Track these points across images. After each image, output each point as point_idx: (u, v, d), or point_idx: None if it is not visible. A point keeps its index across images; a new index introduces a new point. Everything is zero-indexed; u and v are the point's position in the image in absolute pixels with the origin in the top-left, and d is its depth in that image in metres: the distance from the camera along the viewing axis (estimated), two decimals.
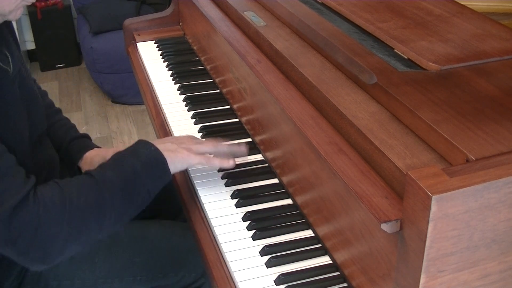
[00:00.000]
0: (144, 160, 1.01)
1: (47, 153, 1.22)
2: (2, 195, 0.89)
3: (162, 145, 1.05)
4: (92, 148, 1.32)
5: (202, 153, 1.08)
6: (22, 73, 1.12)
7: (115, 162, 1.02)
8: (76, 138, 1.35)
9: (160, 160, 1.02)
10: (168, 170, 1.03)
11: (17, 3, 1.00)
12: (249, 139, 1.26)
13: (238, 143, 1.17)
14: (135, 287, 1.24)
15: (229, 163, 1.10)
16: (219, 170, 1.17)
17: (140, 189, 1.00)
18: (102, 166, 1.02)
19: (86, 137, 1.38)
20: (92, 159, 1.29)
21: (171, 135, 1.31)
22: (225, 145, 1.13)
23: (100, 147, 1.35)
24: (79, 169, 1.30)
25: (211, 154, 1.11)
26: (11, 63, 1.06)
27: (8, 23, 1.12)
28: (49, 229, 0.91)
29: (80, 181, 0.98)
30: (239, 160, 1.19)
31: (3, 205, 0.89)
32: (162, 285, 1.27)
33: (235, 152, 1.13)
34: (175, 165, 1.05)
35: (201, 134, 1.29)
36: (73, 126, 1.37)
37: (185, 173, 1.20)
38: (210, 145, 1.11)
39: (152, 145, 1.04)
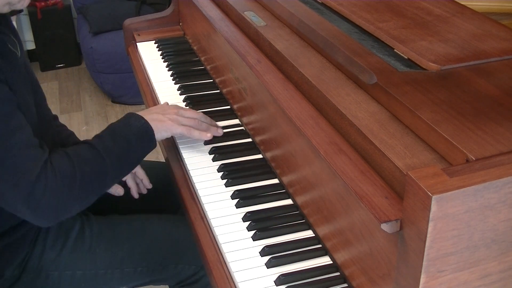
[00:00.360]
0: (136, 132, 1.13)
1: (50, 134, 1.24)
2: (26, 164, 0.99)
3: (149, 116, 1.17)
4: None
5: (185, 125, 1.20)
6: (27, 63, 1.16)
7: (112, 133, 1.13)
8: (76, 144, 1.35)
9: (149, 132, 1.15)
10: (155, 139, 1.16)
11: None
12: (249, 139, 1.26)
13: (215, 124, 1.28)
14: (135, 278, 1.25)
15: (207, 135, 1.22)
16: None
17: (132, 156, 1.14)
18: (100, 137, 1.13)
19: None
20: None
21: (171, 136, 1.31)
22: (204, 124, 1.23)
23: None
24: None
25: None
26: (19, 49, 1.11)
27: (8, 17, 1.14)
28: (64, 194, 1.02)
29: (85, 151, 1.08)
30: (239, 160, 1.20)
31: (28, 173, 0.98)
32: (162, 277, 1.28)
33: (212, 132, 1.24)
34: (160, 133, 1.17)
35: None
36: (72, 133, 1.38)
37: (185, 173, 1.20)
38: (191, 120, 1.22)
39: (142, 118, 1.15)
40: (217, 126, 1.27)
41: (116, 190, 1.30)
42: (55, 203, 1.01)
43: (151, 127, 1.15)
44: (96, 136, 1.14)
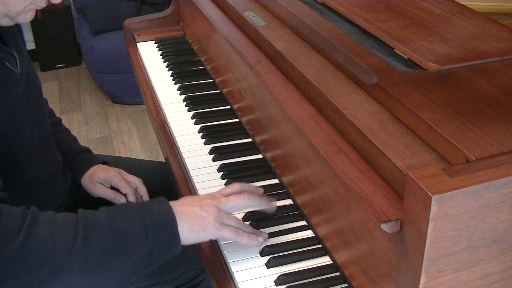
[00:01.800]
0: (149, 218, 0.85)
1: (53, 152, 1.23)
2: None
3: (182, 207, 0.89)
4: (95, 164, 1.31)
5: (229, 225, 0.92)
6: (29, 73, 1.14)
7: (115, 209, 0.87)
8: (80, 152, 1.33)
9: (170, 224, 0.85)
10: (178, 237, 0.86)
11: (25, 5, 0.99)
12: (249, 139, 1.26)
13: (270, 202, 1.00)
14: (135, 282, 1.24)
15: (258, 240, 0.94)
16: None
17: (131, 250, 0.82)
18: (100, 209, 0.87)
19: (89, 151, 1.36)
20: (93, 173, 1.28)
21: (171, 135, 1.31)
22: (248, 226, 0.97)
23: (104, 162, 1.33)
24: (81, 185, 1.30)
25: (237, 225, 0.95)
26: (18, 65, 1.08)
27: (14, 30, 1.13)
28: None
29: (61, 214, 0.84)
30: (239, 160, 1.20)
31: None
32: (162, 281, 1.27)
33: (252, 242, 0.96)
34: (196, 234, 0.88)
35: (201, 134, 1.29)
36: (75, 139, 1.37)
37: (185, 173, 1.20)
38: (235, 220, 0.93)
39: (168, 204, 0.88)
40: (259, 234, 0.97)
41: (120, 200, 1.24)
42: None
43: (175, 220, 0.86)
44: (99, 209, 0.88)
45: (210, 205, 0.90)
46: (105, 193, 1.26)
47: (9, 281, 0.78)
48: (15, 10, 0.98)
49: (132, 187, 1.26)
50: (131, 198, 1.27)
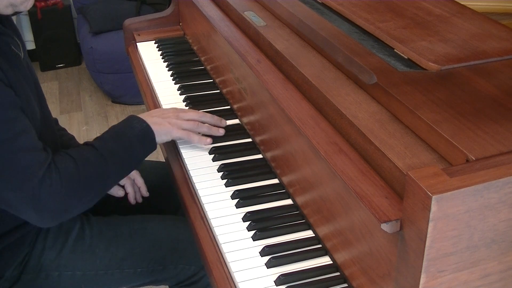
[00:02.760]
0: (138, 134, 1.15)
1: (52, 134, 1.24)
2: (30, 168, 1.00)
3: (150, 119, 1.19)
4: None
5: (185, 128, 1.21)
6: (29, 64, 1.17)
7: (114, 135, 1.15)
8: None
9: (150, 134, 1.17)
10: (156, 142, 1.18)
11: None
12: (249, 139, 1.26)
13: (219, 122, 1.28)
14: (135, 279, 1.25)
15: (206, 141, 1.23)
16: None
17: (133, 158, 1.16)
18: (103, 138, 1.14)
19: None
20: None
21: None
22: (205, 126, 1.24)
23: None
24: None
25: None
26: (21, 50, 1.12)
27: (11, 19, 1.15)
28: (69, 195, 1.03)
29: (88, 152, 1.09)
30: (239, 160, 1.20)
31: (33, 177, 0.99)
32: (162, 278, 1.28)
33: (213, 133, 1.25)
34: (160, 137, 1.19)
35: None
36: (73, 137, 1.39)
37: (185, 173, 1.20)
38: (191, 123, 1.23)
39: (144, 121, 1.17)
40: (219, 125, 1.27)
41: (118, 192, 1.31)
42: (60, 205, 1.03)
43: (152, 130, 1.17)
44: (98, 138, 1.15)
45: (172, 115, 1.22)
46: None
47: (78, 207, 1.07)
48: None
49: (130, 179, 1.34)
50: (129, 190, 1.33)
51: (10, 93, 1.01)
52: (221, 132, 1.26)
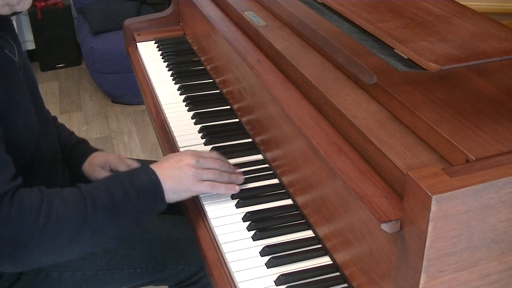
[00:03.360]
0: (139, 186, 0.99)
1: (52, 142, 1.23)
2: None
3: (164, 171, 1.02)
4: (94, 151, 1.34)
5: (206, 179, 1.05)
6: (26, 65, 1.15)
7: (110, 181, 1.00)
8: (78, 142, 1.36)
9: (156, 189, 1.00)
10: (164, 200, 1.01)
11: None
12: (249, 139, 1.26)
13: (238, 172, 1.12)
14: (135, 279, 1.25)
15: (234, 189, 1.08)
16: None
17: (129, 214, 0.99)
18: (96, 182, 1.01)
19: (86, 142, 1.39)
20: (92, 159, 1.31)
21: (171, 135, 1.31)
22: (225, 174, 1.09)
23: (101, 150, 1.37)
24: (82, 173, 1.32)
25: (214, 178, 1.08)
26: (17, 53, 1.10)
27: (9, 20, 1.14)
28: (19, 231, 0.90)
29: (67, 191, 0.97)
30: (239, 160, 1.20)
31: None
32: (161, 277, 1.28)
33: (233, 181, 1.10)
34: (179, 194, 1.03)
35: (201, 134, 1.29)
36: (72, 133, 1.39)
37: None
38: (212, 172, 1.07)
39: (154, 173, 1.01)
40: (236, 172, 1.12)
41: (235, 188, 1.20)
42: (7, 239, 0.90)
43: (161, 186, 1.01)
44: (95, 182, 1.02)
45: (189, 165, 1.04)
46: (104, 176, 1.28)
47: (34, 251, 0.92)
48: None
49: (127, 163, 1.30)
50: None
51: None
52: (240, 179, 1.11)
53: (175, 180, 1.02)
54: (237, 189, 1.08)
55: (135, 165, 1.30)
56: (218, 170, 1.08)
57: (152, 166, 1.03)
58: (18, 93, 1.07)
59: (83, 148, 1.35)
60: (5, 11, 1.03)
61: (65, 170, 1.30)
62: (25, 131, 1.07)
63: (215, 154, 1.11)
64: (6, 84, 1.03)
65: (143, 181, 1.00)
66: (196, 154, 1.07)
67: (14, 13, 1.08)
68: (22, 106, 1.06)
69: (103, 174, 1.29)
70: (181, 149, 1.25)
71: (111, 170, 1.30)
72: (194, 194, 1.06)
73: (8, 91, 1.03)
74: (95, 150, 1.35)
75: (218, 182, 1.06)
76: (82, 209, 0.94)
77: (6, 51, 1.05)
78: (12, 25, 1.15)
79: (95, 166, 1.30)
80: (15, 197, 0.91)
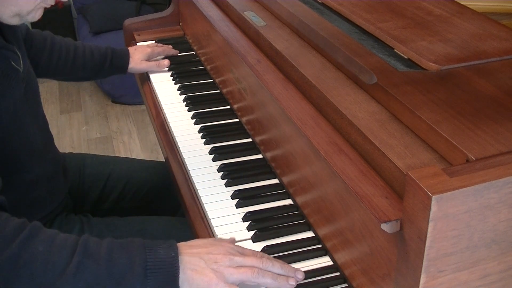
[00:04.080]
0: (151, 261, 0.81)
1: (54, 150, 1.23)
2: None
3: (189, 258, 0.83)
4: (128, 53, 1.54)
5: (233, 282, 0.84)
6: (29, 72, 1.14)
7: (120, 243, 0.84)
8: (113, 50, 1.52)
9: (171, 275, 0.81)
10: (178, 286, 0.82)
11: (35, 4, 0.99)
12: (249, 139, 1.26)
13: (292, 273, 0.88)
14: None
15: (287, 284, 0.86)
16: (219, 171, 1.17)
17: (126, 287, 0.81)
18: (104, 240, 0.84)
19: (113, 49, 1.53)
20: (133, 57, 1.54)
21: (171, 135, 1.31)
22: (269, 275, 0.85)
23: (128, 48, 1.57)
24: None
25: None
26: (21, 63, 1.09)
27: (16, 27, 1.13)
28: None
29: (63, 235, 0.83)
30: (239, 160, 1.20)
31: None
32: None
33: (280, 286, 0.86)
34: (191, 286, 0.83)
35: (201, 134, 1.29)
36: (96, 47, 1.52)
37: (185, 173, 1.20)
38: (245, 273, 0.84)
39: (175, 249, 0.83)
40: (291, 276, 0.88)
41: (164, 63, 1.56)
42: None
43: (178, 269, 0.82)
44: (104, 240, 0.85)
45: (218, 263, 0.84)
46: (150, 67, 1.56)
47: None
48: (26, 9, 0.99)
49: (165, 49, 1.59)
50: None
51: None
52: (292, 283, 0.87)
53: (197, 272, 0.83)
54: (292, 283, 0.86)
55: (165, 52, 1.59)
56: (257, 268, 0.85)
57: (180, 244, 0.85)
58: (18, 104, 1.06)
59: (119, 54, 1.52)
60: (15, 21, 1.01)
61: (68, 173, 1.30)
62: (20, 142, 1.06)
63: (259, 254, 0.89)
64: (7, 95, 1.03)
65: (158, 256, 0.82)
66: (232, 252, 0.86)
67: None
68: (18, 117, 1.05)
69: (146, 65, 1.55)
70: (181, 149, 1.24)
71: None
72: None
73: (8, 101, 1.03)
74: (126, 50, 1.54)
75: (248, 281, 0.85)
76: (64, 260, 0.78)
77: (12, 62, 1.04)
78: (18, 33, 1.14)
79: (140, 62, 1.54)
80: None
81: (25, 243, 0.78)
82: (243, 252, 0.87)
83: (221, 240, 0.90)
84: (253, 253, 0.88)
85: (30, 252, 0.78)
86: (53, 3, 1.02)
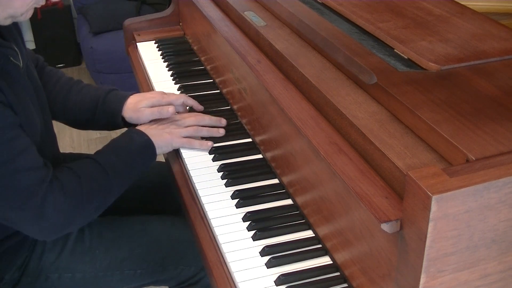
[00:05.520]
0: (138, 147, 1.17)
1: (53, 146, 1.23)
2: (31, 187, 0.99)
3: (149, 131, 1.21)
4: (129, 96, 1.33)
5: (185, 136, 1.23)
6: (29, 68, 1.15)
7: (115, 149, 1.16)
8: (111, 90, 1.35)
9: (151, 147, 1.19)
10: (156, 154, 1.21)
11: (29, 5, 1.02)
12: (249, 139, 1.26)
13: (218, 122, 1.28)
14: (135, 280, 1.25)
15: (207, 145, 1.23)
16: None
17: (134, 170, 1.17)
18: (104, 152, 1.16)
19: (115, 89, 1.38)
20: (136, 104, 1.30)
21: None
22: (204, 129, 1.25)
23: (134, 93, 1.36)
24: (123, 119, 1.31)
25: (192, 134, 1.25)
26: (20, 58, 1.10)
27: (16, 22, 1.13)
28: (72, 211, 1.04)
29: (90, 167, 1.11)
30: (239, 160, 1.20)
31: (35, 196, 0.99)
32: (162, 278, 1.27)
33: (213, 135, 1.26)
34: (161, 149, 1.22)
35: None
36: (101, 86, 1.38)
37: (185, 173, 1.20)
38: (190, 129, 1.24)
39: (144, 134, 1.19)
40: (218, 125, 1.28)
41: (208, 144, 1.29)
42: (64, 220, 1.04)
43: (153, 143, 1.19)
44: (99, 152, 1.16)
45: (170, 125, 1.24)
46: (153, 113, 1.29)
47: (84, 211, 1.07)
48: (20, 11, 1.02)
49: (181, 96, 1.35)
50: (179, 108, 1.33)
51: (9, 114, 0.99)
52: (222, 132, 1.27)
53: (158, 137, 1.21)
54: (209, 144, 1.23)
55: (178, 101, 1.32)
56: (197, 125, 1.25)
57: (140, 128, 1.22)
58: (24, 101, 1.07)
59: (118, 94, 1.34)
60: (7, 22, 1.04)
61: None
62: (29, 135, 1.07)
63: (183, 97, 1.31)
64: (13, 91, 1.04)
65: (139, 141, 1.18)
66: (178, 115, 1.27)
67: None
68: (26, 115, 1.06)
69: (149, 111, 1.29)
70: (181, 149, 1.24)
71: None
72: (174, 148, 1.24)
73: (17, 101, 1.03)
74: (128, 94, 1.34)
75: (194, 137, 1.24)
76: (107, 178, 1.11)
77: (11, 58, 1.06)
78: (12, 29, 1.14)
79: (142, 109, 1.29)
80: (61, 184, 1.04)
81: (83, 180, 1.08)
82: (184, 115, 1.29)
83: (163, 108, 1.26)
84: (191, 114, 1.30)
85: (88, 182, 1.09)
86: (43, 3, 1.05)
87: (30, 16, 1.05)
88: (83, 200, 1.06)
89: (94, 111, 1.31)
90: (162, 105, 1.28)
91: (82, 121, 1.35)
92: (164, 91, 1.36)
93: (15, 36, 1.13)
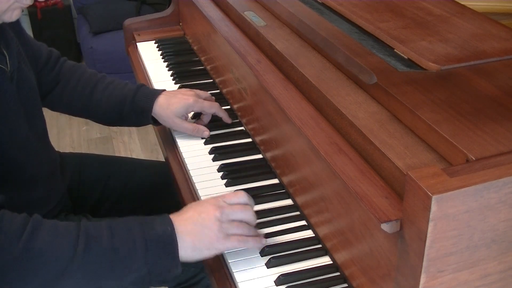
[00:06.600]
0: (150, 237, 0.87)
1: (50, 149, 1.22)
2: None
3: (185, 227, 0.89)
4: (159, 94, 1.26)
5: (233, 234, 0.92)
6: (21, 70, 1.11)
7: (118, 223, 0.89)
8: (139, 88, 1.28)
9: (170, 244, 0.87)
10: (177, 257, 0.87)
11: (9, 4, 0.97)
12: (249, 139, 1.26)
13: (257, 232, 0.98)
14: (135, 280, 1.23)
15: (261, 242, 0.95)
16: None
17: (132, 264, 0.86)
18: (102, 222, 0.89)
19: (144, 84, 1.32)
20: (170, 105, 1.23)
21: (171, 136, 1.31)
22: (254, 222, 0.96)
23: (164, 90, 1.29)
24: (153, 118, 1.26)
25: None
26: (8, 63, 1.06)
27: (14, 22, 1.11)
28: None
29: (63, 223, 0.86)
30: (239, 160, 1.20)
31: None
32: (161, 279, 1.27)
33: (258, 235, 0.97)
34: (201, 252, 0.89)
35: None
36: (127, 83, 1.31)
37: (184, 173, 1.20)
38: (241, 226, 0.93)
39: (171, 223, 0.88)
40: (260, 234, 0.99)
41: (203, 133, 1.22)
42: None
43: (176, 241, 0.87)
44: (101, 223, 0.90)
45: (213, 219, 0.90)
46: (187, 129, 1.23)
47: (12, 285, 0.82)
48: (0, 9, 0.96)
49: (214, 105, 1.26)
50: (207, 117, 1.26)
51: None
52: (263, 242, 0.97)
53: (196, 236, 0.88)
54: (264, 242, 0.95)
55: (210, 110, 1.24)
56: (247, 222, 0.95)
57: (172, 217, 0.90)
58: (6, 104, 1.03)
59: (144, 97, 1.24)
60: None
61: (66, 173, 1.29)
62: (11, 141, 1.04)
63: (242, 197, 0.96)
64: None
65: (156, 232, 0.86)
66: (221, 205, 0.92)
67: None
68: (8, 117, 1.03)
69: (186, 125, 1.23)
70: (181, 149, 1.24)
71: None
72: (219, 252, 0.92)
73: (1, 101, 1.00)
74: (157, 92, 1.25)
75: (245, 236, 0.93)
76: (71, 245, 0.83)
77: None
78: (5, 31, 1.10)
79: (178, 121, 1.23)
80: None
81: (32, 236, 0.82)
82: (229, 201, 0.94)
83: (206, 200, 0.96)
84: (237, 200, 0.95)
85: (38, 244, 0.82)
86: (30, 3, 0.99)
87: (18, 17, 1.00)
88: (15, 252, 0.80)
89: (121, 111, 1.25)
90: (195, 111, 1.23)
91: (109, 120, 1.29)
92: (198, 92, 1.27)
93: (6, 38, 1.09)
